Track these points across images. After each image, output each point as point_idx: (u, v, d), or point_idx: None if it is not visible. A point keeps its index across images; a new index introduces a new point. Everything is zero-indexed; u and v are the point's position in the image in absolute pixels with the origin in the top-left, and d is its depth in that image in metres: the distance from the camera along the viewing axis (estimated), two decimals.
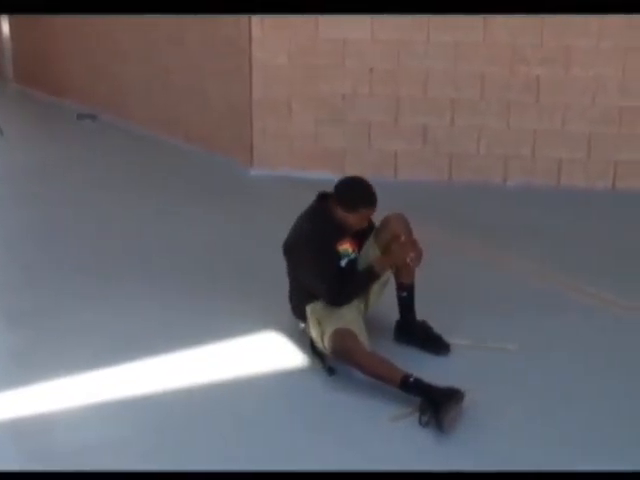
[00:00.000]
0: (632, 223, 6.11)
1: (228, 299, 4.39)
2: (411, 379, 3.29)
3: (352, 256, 3.77)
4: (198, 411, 3.35)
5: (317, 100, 7.15)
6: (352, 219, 3.67)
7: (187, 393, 3.49)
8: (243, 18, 7.03)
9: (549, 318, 4.28)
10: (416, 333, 3.90)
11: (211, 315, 4.21)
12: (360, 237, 3.82)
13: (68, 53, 11.09)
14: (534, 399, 3.47)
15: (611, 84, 6.79)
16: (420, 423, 3.20)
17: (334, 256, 3.70)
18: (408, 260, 3.71)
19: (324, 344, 3.57)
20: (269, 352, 3.86)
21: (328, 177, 6.42)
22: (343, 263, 3.72)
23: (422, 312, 3.95)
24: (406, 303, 3.94)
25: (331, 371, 3.60)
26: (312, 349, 3.76)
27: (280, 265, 3.87)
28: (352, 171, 6.88)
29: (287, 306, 3.95)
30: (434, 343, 3.86)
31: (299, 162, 7.20)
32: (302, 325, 3.87)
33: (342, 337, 3.48)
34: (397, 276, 3.89)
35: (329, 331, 3.53)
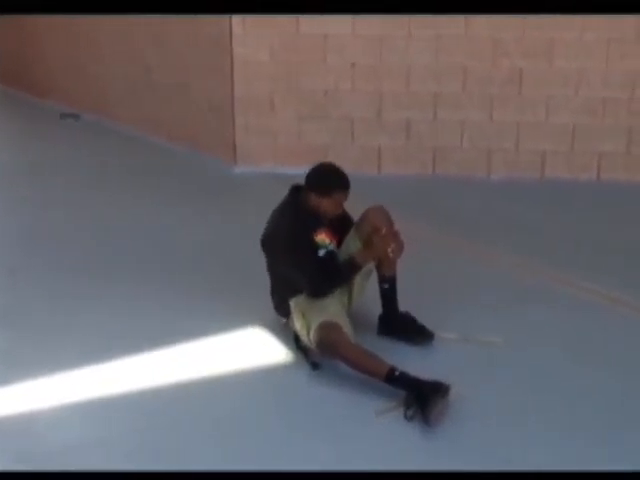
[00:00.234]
0: (617, 215, 6.10)
1: (212, 296, 4.35)
2: (397, 372, 3.28)
3: (330, 247, 3.76)
4: (182, 409, 3.33)
5: (299, 96, 7.12)
6: (326, 204, 3.66)
7: (170, 391, 3.46)
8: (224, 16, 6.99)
9: (535, 311, 4.28)
10: (399, 325, 3.89)
11: (195, 313, 4.18)
12: (337, 230, 3.81)
13: (50, 53, 11.00)
14: (520, 393, 3.46)
15: (594, 76, 6.78)
16: (405, 417, 3.18)
17: (311, 246, 3.68)
18: (389, 252, 3.70)
19: (309, 338, 3.55)
20: (253, 348, 3.84)
21: None
22: (321, 253, 3.71)
23: (408, 306, 3.94)
24: (388, 295, 3.92)
25: (315, 366, 3.60)
26: (296, 344, 3.75)
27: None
28: None
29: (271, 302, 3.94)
30: (418, 333, 3.85)
31: (282, 158, 7.16)
32: (284, 320, 3.85)
33: (327, 330, 3.46)
34: (379, 268, 3.88)
35: (314, 324, 3.51)
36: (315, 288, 3.65)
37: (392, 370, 3.29)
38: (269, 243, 3.75)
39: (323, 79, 7.03)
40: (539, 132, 6.94)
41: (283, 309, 3.84)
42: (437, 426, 3.14)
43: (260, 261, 3.88)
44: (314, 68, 7.03)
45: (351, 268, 3.70)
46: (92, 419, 3.25)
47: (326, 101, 7.08)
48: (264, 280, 3.92)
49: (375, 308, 3.96)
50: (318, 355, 3.59)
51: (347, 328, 3.55)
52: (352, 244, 3.81)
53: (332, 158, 6.91)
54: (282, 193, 3.83)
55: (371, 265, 3.83)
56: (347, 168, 3.82)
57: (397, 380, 3.28)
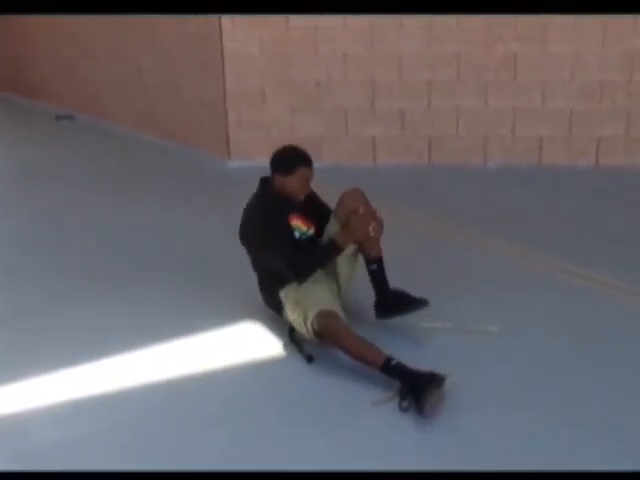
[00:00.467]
0: (616, 201, 6.01)
1: (208, 293, 4.32)
2: (393, 362, 3.26)
3: (308, 233, 3.77)
4: (177, 404, 3.31)
5: (291, 89, 7.05)
6: (291, 182, 3.68)
7: (165, 387, 3.44)
8: None
9: (532, 299, 4.21)
10: (393, 303, 3.82)
11: (190, 310, 4.13)
12: (317, 220, 3.82)
13: (43, 56, 10.98)
14: (518, 382, 3.39)
15: (591, 58, 6.68)
16: (400, 408, 3.14)
17: (286, 230, 3.70)
18: (370, 230, 3.68)
19: (307, 326, 3.54)
20: (248, 343, 3.80)
21: None
22: (297, 235, 3.72)
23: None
24: (377, 276, 3.86)
25: (309, 359, 3.58)
26: (290, 337, 3.73)
27: None
28: (330, 159, 6.92)
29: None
30: (412, 305, 3.78)
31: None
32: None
33: (326, 318, 3.47)
34: (363, 251, 3.83)
35: (311, 313, 3.51)
36: (296, 270, 3.65)
37: (388, 360, 3.26)
38: (246, 235, 3.76)
39: (315, 71, 6.96)
40: (536, 118, 6.85)
41: (274, 304, 3.83)
42: (432, 417, 3.08)
43: None
44: (305, 60, 6.96)
45: (331, 249, 3.68)
46: (87, 416, 3.23)
47: (318, 93, 7.02)
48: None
49: (366, 299, 3.90)
50: (314, 344, 3.57)
51: (342, 316, 3.54)
52: (332, 229, 3.78)
53: (326, 150, 6.98)
54: None
55: (354, 248, 3.79)
56: (342, 160, 3.80)
57: (393, 370, 3.24)
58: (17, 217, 6.11)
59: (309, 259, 3.67)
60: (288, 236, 3.68)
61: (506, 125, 6.89)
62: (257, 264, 3.85)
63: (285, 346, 3.71)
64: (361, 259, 3.86)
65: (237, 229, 3.79)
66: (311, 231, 3.77)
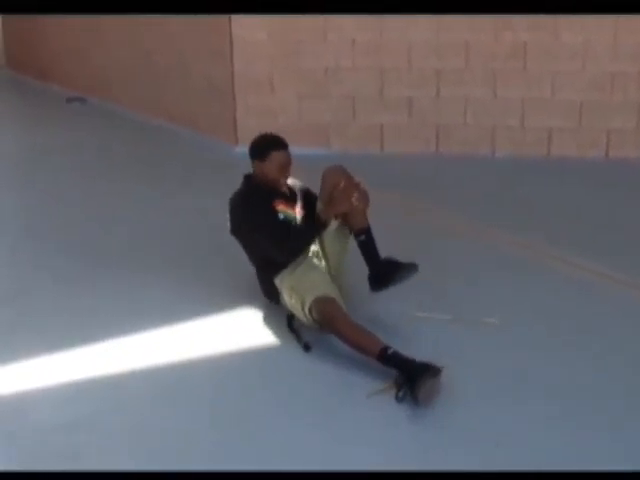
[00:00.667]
0: (626, 193, 5.95)
1: (205, 277, 4.32)
2: (390, 351, 3.24)
3: (296, 217, 3.82)
4: (174, 391, 3.30)
5: (300, 75, 7.03)
6: (268, 168, 3.78)
7: (162, 373, 3.43)
8: None
9: (535, 292, 4.18)
10: (386, 274, 3.81)
11: (192, 297, 4.11)
12: (304, 207, 3.85)
13: (55, 39, 11.00)
14: (516, 374, 3.36)
15: (602, 49, 6.62)
16: (396, 398, 3.12)
17: (269, 212, 3.75)
18: (353, 200, 3.71)
19: (304, 312, 3.54)
20: (246, 331, 3.78)
21: (313, 152, 6.38)
22: (281, 217, 3.77)
23: (405, 284, 3.82)
24: (368, 247, 3.85)
25: (307, 347, 3.57)
26: (288, 325, 3.72)
27: None
28: (337, 146, 6.89)
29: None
30: (402, 272, 3.78)
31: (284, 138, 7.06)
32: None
33: (324, 304, 3.48)
34: (350, 224, 3.83)
35: (309, 299, 3.52)
36: (282, 249, 3.70)
37: (385, 349, 3.25)
38: (234, 229, 3.83)
39: (323, 57, 6.93)
40: (545, 108, 6.80)
41: (271, 293, 3.84)
42: (427, 406, 3.06)
43: None
44: (314, 46, 6.94)
45: (315, 224, 3.74)
46: (87, 398, 3.23)
47: (327, 79, 6.99)
48: None
49: (359, 286, 3.88)
50: (314, 331, 3.56)
51: (340, 301, 3.55)
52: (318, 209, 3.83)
53: (334, 137, 6.95)
54: None
55: (337, 223, 3.80)
56: (350, 147, 3.81)
57: (389, 359, 3.23)
58: (25, 198, 6.12)
59: (293, 236, 3.73)
60: (271, 218, 3.74)
61: (515, 115, 6.84)
62: (251, 255, 3.89)
63: (283, 335, 3.68)
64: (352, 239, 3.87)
65: None
66: (299, 216, 3.81)
